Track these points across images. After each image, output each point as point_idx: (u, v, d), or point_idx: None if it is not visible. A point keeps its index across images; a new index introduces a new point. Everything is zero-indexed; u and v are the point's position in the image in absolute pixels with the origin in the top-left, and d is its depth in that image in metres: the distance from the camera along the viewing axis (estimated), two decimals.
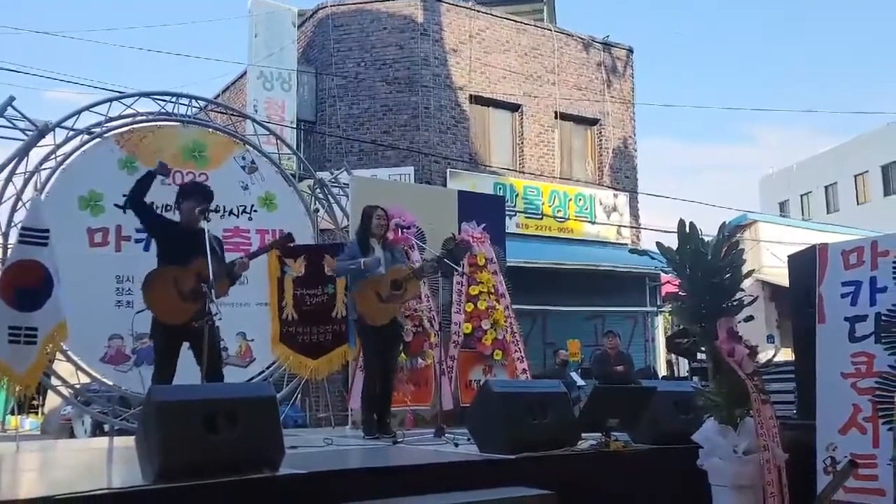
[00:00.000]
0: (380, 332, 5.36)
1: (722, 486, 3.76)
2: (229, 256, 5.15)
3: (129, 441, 5.00)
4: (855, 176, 29.13)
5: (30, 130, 6.91)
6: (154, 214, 5.11)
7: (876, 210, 26.59)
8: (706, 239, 4.07)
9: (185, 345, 4.73)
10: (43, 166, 7.06)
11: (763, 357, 4.14)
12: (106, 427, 8.03)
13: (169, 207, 5.84)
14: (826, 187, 30.51)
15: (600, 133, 15.95)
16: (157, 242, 4.93)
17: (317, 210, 8.51)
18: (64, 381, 7.03)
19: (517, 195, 14.24)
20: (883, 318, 3.72)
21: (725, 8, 68.52)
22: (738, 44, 69.45)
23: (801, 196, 31.64)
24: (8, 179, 6.77)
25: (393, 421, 5.64)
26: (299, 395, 8.47)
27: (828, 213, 29.45)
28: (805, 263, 4.29)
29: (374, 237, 5.51)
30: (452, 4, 14.55)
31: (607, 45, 16.25)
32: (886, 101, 56.83)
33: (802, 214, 30.32)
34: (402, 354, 6.16)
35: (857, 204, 28.82)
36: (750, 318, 4.18)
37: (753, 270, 4.87)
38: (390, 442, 5.00)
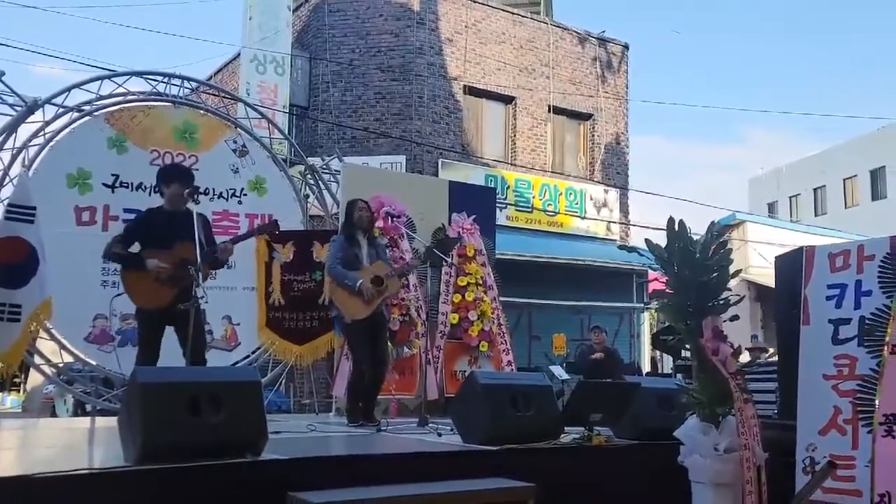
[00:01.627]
0: (361, 324, 5.36)
1: (702, 483, 3.78)
2: (217, 239, 5.11)
3: (110, 421, 4.99)
4: (844, 179, 29.34)
5: (19, 106, 6.85)
6: (131, 231, 4.85)
7: (864, 214, 26.82)
8: (695, 237, 4.09)
9: (170, 328, 4.71)
10: (31, 143, 7.00)
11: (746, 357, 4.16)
12: (88, 407, 8.00)
13: (156, 189, 5.80)
14: (815, 190, 30.72)
15: (593, 128, 15.96)
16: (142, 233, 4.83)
17: (307, 196, 8.49)
18: (47, 360, 7.00)
19: (508, 187, 14.25)
20: (867, 321, 3.74)
21: (721, 8, 68.65)
22: (733, 44, 69.65)
23: (790, 198, 31.84)
24: None
25: (377, 409, 5.65)
26: (283, 381, 8.46)
27: (816, 215, 29.65)
28: (791, 264, 4.31)
29: (359, 230, 5.52)
30: None
31: (603, 41, 16.24)
32: (878, 107, 57.21)
33: (791, 216, 30.52)
34: (389, 343, 6.16)
35: (845, 207, 29.04)
36: (735, 318, 4.21)
37: (740, 270, 4.89)
38: (374, 430, 5.00)
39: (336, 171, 8.54)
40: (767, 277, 13.07)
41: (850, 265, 3.89)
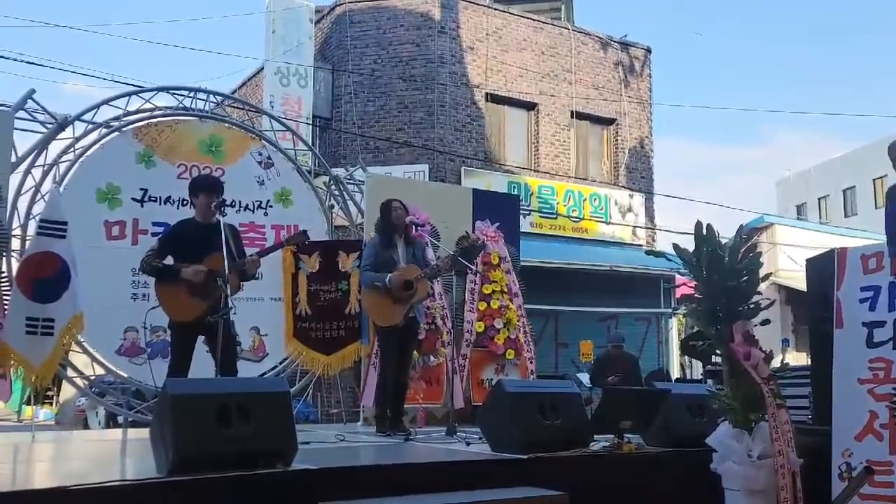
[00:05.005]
0: (392, 331, 5.35)
1: (735, 490, 3.73)
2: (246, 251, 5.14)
3: (142, 433, 5.03)
4: (874, 179, 28.84)
5: (49, 123, 6.97)
6: (164, 244, 4.89)
7: None
8: (723, 241, 4.04)
9: (201, 338, 4.76)
10: (62, 159, 7.12)
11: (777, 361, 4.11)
12: (120, 419, 8.09)
13: (185, 202, 5.87)
14: (844, 191, 30.25)
15: (616, 133, 15.88)
16: (173, 245, 4.89)
17: (332, 206, 8.53)
18: (79, 373, 7.09)
19: (532, 194, 14.21)
20: None
21: (745, 9, 68.00)
22: (757, 45, 68.92)
23: (819, 199, 31.39)
24: (27, 172, 6.84)
25: (405, 418, 5.63)
26: (311, 391, 8.49)
27: (846, 216, 29.19)
28: (823, 267, 4.25)
29: (395, 231, 5.48)
30: (470, 2, 14.53)
31: (625, 45, 16.18)
32: None
33: (820, 217, 30.07)
34: (415, 352, 6.16)
35: (876, 208, 28.51)
36: (766, 322, 4.15)
37: (770, 274, 4.83)
38: (402, 439, 5.00)
39: (360, 181, 8.58)
40: (798, 280, 12.89)
41: (883, 267, 3.83)
